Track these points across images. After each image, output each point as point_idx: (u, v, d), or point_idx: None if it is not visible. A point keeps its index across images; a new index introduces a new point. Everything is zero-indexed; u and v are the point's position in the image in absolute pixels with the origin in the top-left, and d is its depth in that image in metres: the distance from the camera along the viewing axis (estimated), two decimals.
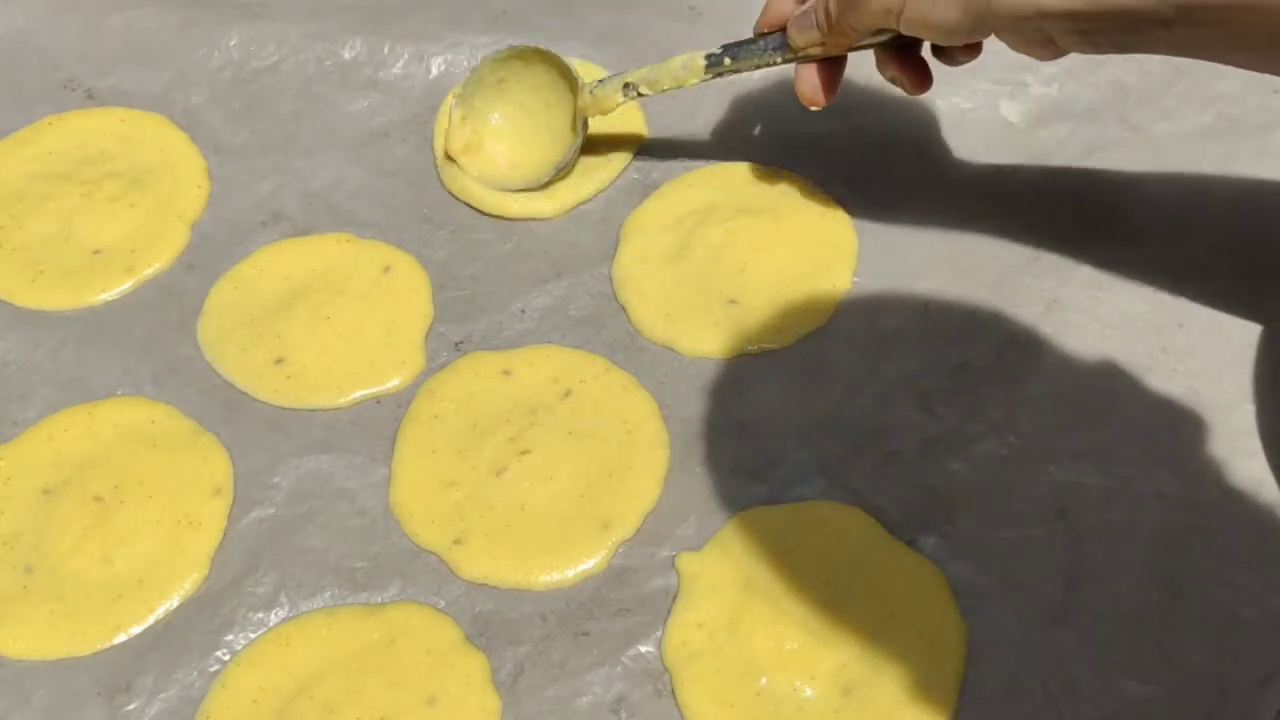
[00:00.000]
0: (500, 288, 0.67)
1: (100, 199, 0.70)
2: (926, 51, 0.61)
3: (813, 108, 0.63)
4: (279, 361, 0.64)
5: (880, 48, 0.60)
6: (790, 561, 0.56)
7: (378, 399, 0.63)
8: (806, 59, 0.62)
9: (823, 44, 0.60)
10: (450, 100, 0.72)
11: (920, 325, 0.63)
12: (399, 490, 0.60)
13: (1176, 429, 0.59)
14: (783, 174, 0.69)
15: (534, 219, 0.69)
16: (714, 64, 0.64)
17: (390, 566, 0.58)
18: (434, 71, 0.74)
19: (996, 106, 0.71)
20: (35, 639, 0.56)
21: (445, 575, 0.57)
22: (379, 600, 0.57)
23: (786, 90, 0.71)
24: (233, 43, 0.76)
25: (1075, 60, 0.71)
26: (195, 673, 0.55)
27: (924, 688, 0.53)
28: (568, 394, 0.62)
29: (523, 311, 0.66)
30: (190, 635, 0.56)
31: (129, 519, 0.59)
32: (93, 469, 0.60)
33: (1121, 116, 0.70)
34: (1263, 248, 0.64)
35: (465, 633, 0.55)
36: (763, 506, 0.58)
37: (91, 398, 0.63)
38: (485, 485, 0.59)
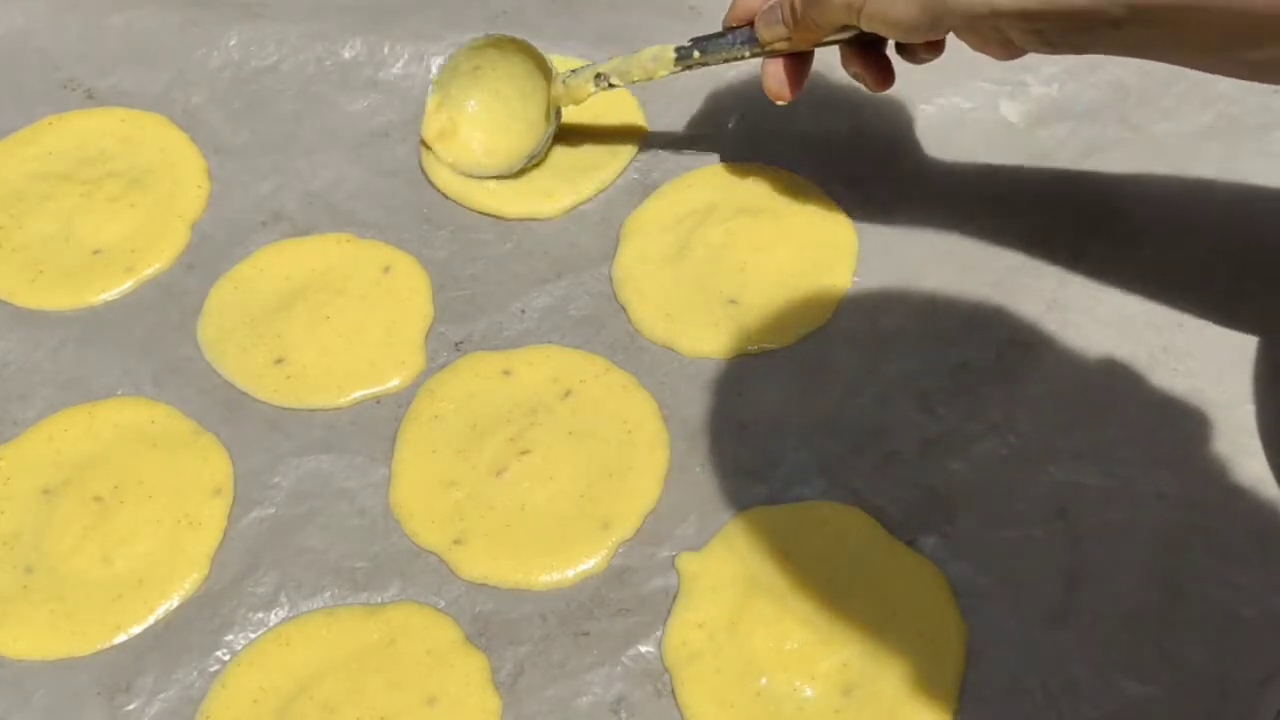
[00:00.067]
0: (500, 288, 0.67)
1: (100, 199, 0.70)
2: (891, 50, 0.61)
3: (779, 102, 0.63)
4: (279, 361, 0.64)
5: (845, 44, 0.61)
6: (790, 561, 0.56)
7: (378, 399, 0.63)
8: (773, 54, 0.62)
9: (788, 39, 0.61)
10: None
11: (920, 325, 0.63)
12: (399, 490, 0.60)
13: (1176, 429, 0.59)
14: (783, 174, 0.69)
15: (534, 219, 0.69)
16: (683, 56, 0.65)
17: (390, 566, 0.58)
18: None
19: (996, 106, 0.71)
20: (35, 639, 0.56)
21: (445, 575, 0.57)
22: (379, 600, 0.57)
23: None
24: (233, 43, 0.76)
25: (1075, 60, 0.71)
26: (195, 673, 0.55)
27: (924, 687, 0.52)
28: (568, 394, 0.62)
29: (523, 311, 0.66)
30: (190, 635, 0.56)
31: (129, 519, 0.59)
32: (93, 469, 0.60)
33: (1121, 116, 0.70)
34: (1263, 248, 0.64)
35: (465, 633, 0.55)
36: (763, 506, 0.58)
37: (91, 398, 0.63)
38: (485, 485, 0.59)
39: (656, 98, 0.73)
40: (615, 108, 0.73)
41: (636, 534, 0.58)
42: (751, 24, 0.63)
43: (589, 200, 0.70)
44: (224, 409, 0.63)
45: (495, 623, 0.56)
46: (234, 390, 0.63)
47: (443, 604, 0.56)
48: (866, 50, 0.61)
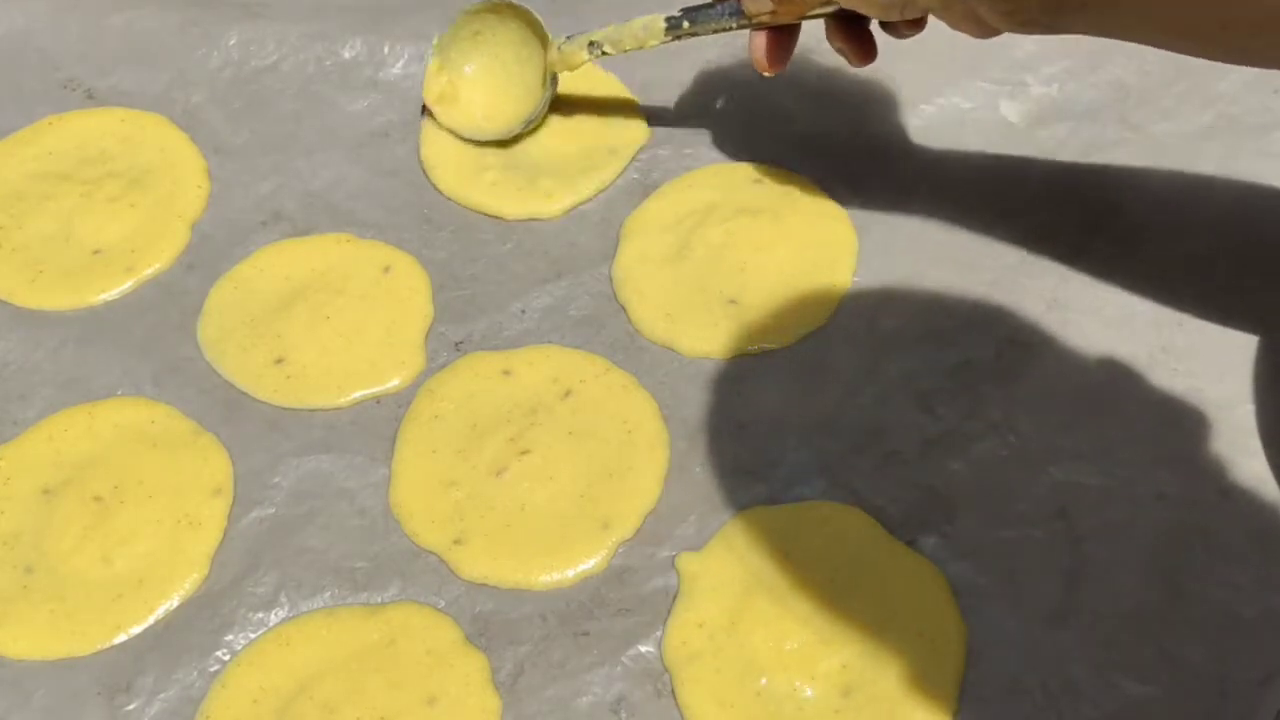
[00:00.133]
0: (500, 288, 0.67)
1: (100, 199, 0.70)
2: (875, 26, 0.61)
3: (765, 73, 0.64)
4: (279, 361, 0.64)
5: (830, 19, 0.61)
6: (790, 561, 0.56)
7: (378, 399, 0.63)
8: (760, 26, 0.63)
9: (774, 12, 0.62)
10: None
11: (920, 325, 0.63)
12: (399, 490, 0.60)
13: (1176, 428, 0.59)
14: (782, 174, 0.69)
15: (534, 219, 0.69)
16: (673, 26, 0.66)
17: (390, 566, 0.58)
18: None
19: (996, 106, 0.71)
20: (35, 639, 0.56)
21: (445, 575, 0.57)
22: (379, 600, 0.57)
23: (787, 90, 0.72)
24: (232, 42, 0.76)
25: (1075, 60, 0.71)
26: (195, 673, 0.55)
27: (924, 687, 0.52)
28: (568, 394, 0.62)
29: (523, 311, 0.66)
30: (190, 635, 0.56)
31: (129, 519, 0.59)
32: (93, 469, 0.60)
33: (1121, 116, 0.70)
34: (1262, 247, 0.64)
35: (465, 633, 0.55)
36: (763, 506, 0.58)
37: (91, 398, 0.63)
38: (485, 485, 0.59)
39: (656, 97, 0.73)
40: (615, 107, 0.73)
41: (636, 534, 0.58)
42: None
43: (589, 200, 0.70)
44: (224, 409, 0.63)
45: (495, 623, 0.56)
46: (234, 390, 0.63)
47: (443, 604, 0.56)
48: (850, 25, 0.61)
